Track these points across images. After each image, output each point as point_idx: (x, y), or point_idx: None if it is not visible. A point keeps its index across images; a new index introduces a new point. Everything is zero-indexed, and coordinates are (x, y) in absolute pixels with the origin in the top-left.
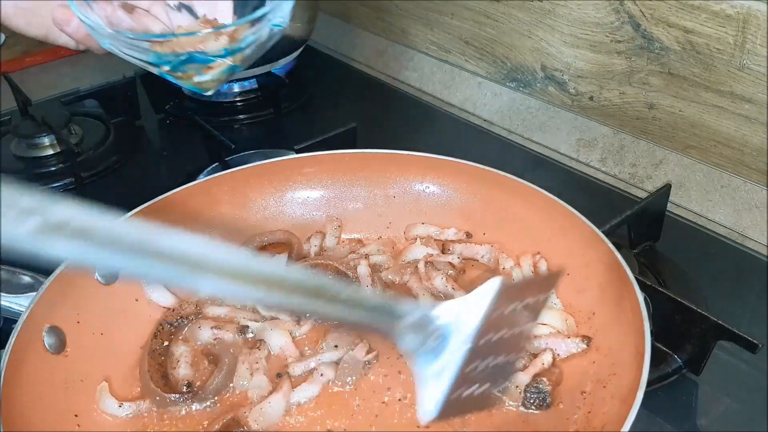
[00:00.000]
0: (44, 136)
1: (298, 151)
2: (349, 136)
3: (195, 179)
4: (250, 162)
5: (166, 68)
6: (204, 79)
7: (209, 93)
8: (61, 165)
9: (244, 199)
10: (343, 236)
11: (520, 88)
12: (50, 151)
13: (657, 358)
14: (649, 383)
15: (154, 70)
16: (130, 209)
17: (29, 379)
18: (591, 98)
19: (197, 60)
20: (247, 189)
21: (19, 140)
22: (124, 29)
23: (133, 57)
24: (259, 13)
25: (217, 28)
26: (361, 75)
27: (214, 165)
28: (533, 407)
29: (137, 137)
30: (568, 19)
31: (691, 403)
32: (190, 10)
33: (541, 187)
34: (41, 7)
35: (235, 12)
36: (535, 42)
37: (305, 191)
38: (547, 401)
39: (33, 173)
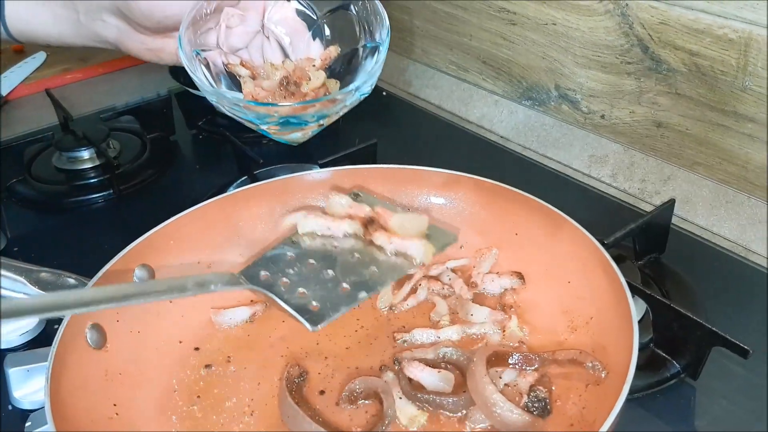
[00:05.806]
0: (84, 149)
1: (321, 166)
2: (370, 151)
3: (225, 191)
4: (277, 175)
5: (264, 127)
6: (295, 137)
7: (296, 144)
8: (100, 177)
9: (270, 211)
10: None
11: (535, 106)
12: (90, 164)
13: (657, 363)
14: (649, 387)
15: (253, 126)
16: (165, 218)
17: (73, 371)
18: (602, 116)
19: (292, 124)
20: (273, 201)
21: (60, 153)
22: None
23: (235, 114)
24: (352, 86)
25: (312, 100)
26: (383, 93)
27: (243, 178)
28: (536, 415)
29: (172, 152)
30: (580, 42)
31: (689, 405)
32: (281, 46)
33: (554, 200)
34: (167, 47)
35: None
36: (550, 63)
37: None
38: (548, 408)
39: (73, 185)
